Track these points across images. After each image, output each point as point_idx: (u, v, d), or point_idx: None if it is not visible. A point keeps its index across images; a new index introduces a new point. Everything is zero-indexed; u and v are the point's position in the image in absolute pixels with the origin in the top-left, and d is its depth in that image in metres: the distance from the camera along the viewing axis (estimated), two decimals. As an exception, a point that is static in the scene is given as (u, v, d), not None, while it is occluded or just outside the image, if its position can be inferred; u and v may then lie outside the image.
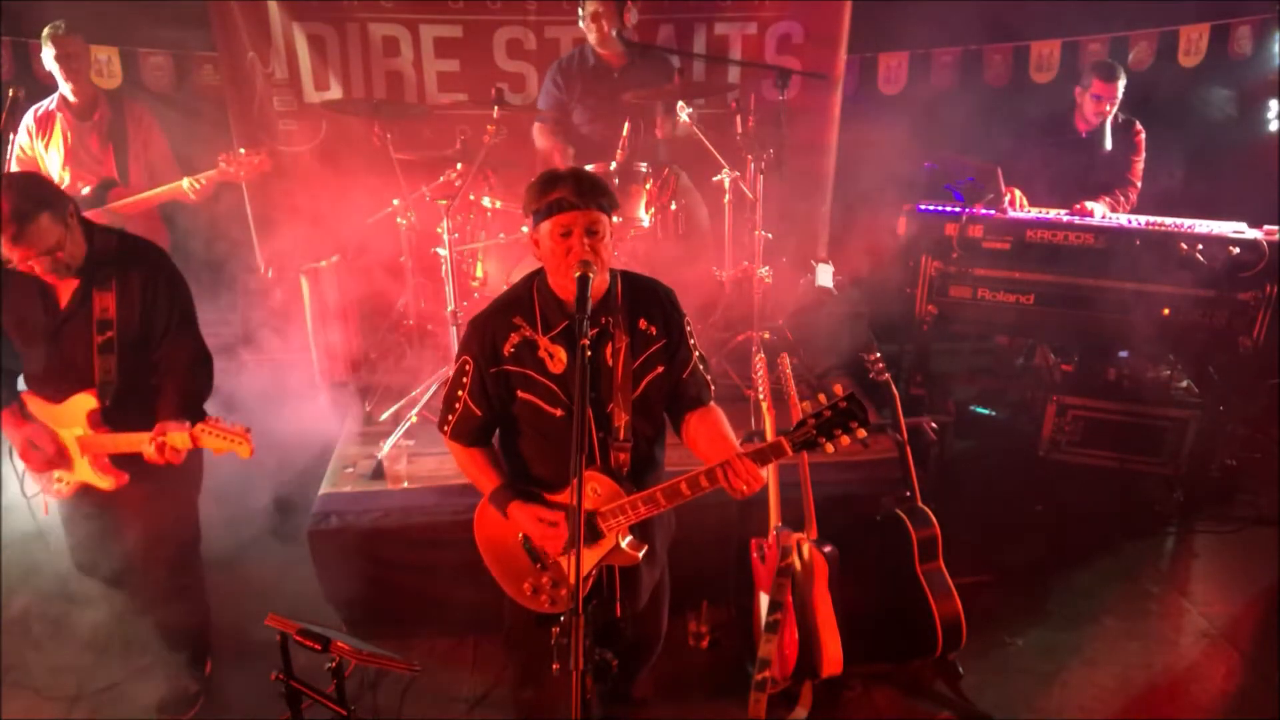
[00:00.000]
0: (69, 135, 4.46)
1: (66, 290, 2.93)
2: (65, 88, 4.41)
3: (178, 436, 2.85)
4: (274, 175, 5.37)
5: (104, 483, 3.02)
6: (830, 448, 2.34)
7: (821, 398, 2.36)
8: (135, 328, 2.96)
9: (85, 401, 2.95)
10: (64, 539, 3.33)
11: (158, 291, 2.98)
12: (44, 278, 2.86)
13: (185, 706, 3.42)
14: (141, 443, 2.87)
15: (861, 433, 2.32)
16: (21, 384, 3.14)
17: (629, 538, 2.58)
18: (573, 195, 2.40)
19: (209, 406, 3.05)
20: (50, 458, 3.01)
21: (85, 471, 3.03)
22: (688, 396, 2.68)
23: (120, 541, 3.17)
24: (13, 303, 2.95)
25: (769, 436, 2.45)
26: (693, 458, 2.64)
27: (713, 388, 2.74)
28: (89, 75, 4.55)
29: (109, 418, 2.97)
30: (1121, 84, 4.66)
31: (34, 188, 2.83)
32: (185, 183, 4.24)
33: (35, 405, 3.04)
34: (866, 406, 2.33)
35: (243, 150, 4.22)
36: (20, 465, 3.11)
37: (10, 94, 4.35)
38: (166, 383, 2.99)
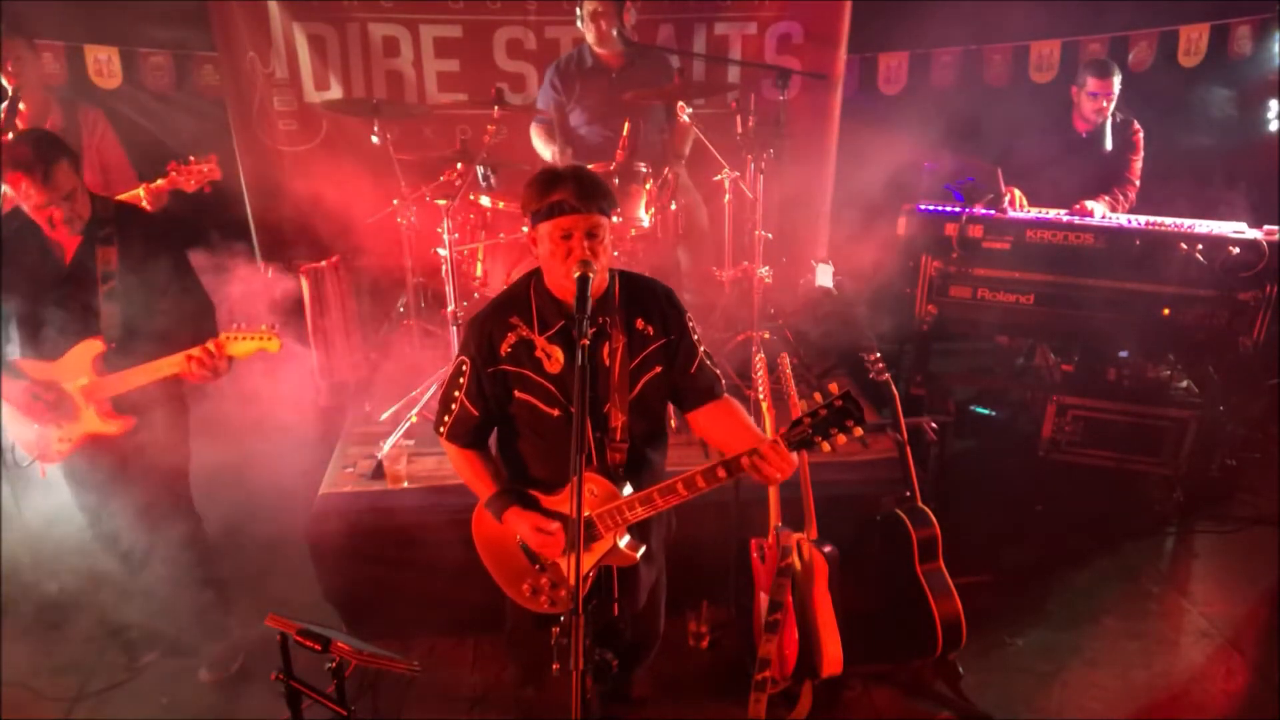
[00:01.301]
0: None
1: (70, 246, 3.12)
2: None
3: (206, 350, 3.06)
4: (273, 175, 5.41)
5: (111, 427, 3.15)
6: (826, 447, 2.32)
7: (817, 396, 2.35)
8: (138, 278, 3.13)
9: (92, 347, 3.10)
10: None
11: (159, 244, 3.19)
12: (55, 233, 3.05)
13: (229, 661, 3.55)
14: (158, 370, 3.05)
15: (858, 431, 2.30)
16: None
17: (626, 538, 2.58)
18: (574, 198, 2.39)
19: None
20: (52, 403, 3.12)
21: (91, 421, 3.14)
22: (701, 391, 2.67)
23: (123, 483, 3.28)
24: (18, 261, 3.10)
25: (769, 436, 2.45)
26: (693, 458, 2.64)
27: (724, 381, 2.73)
28: (38, 80, 4.39)
29: (113, 363, 3.11)
30: (1117, 81, 4.66)
31: (52, 137, 3.09)
32: (140, 190, 4.20)
33: (32, 368, 3.14)
34: (862, 405, 2.33)
35: (191, 159, 4.20)
36: (8, 439, 3.21)
37: (10, 93, 4.34)
38: (175, 327, 3.14)
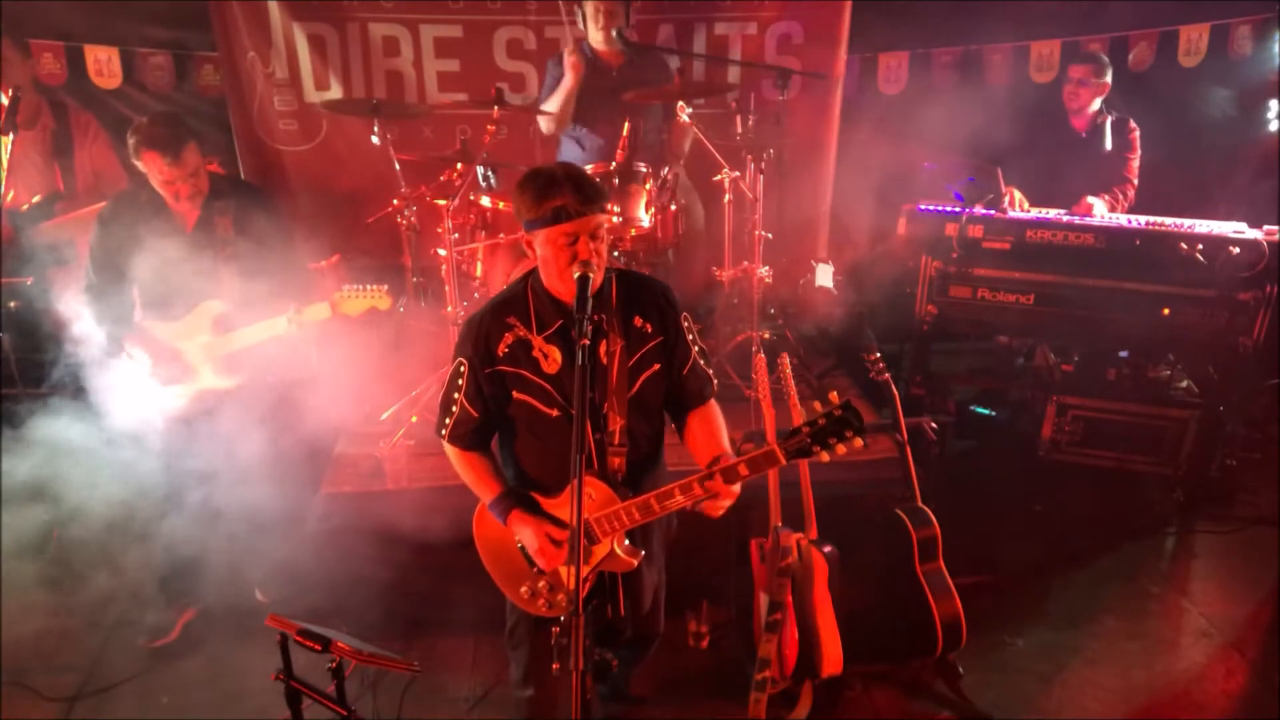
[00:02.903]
0: (11, 145, 4.30)
1: (191, 217, 3.45)
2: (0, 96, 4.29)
3: (315, 309, 3.40)
4: (273, 175, 5.41)
5: (227, 383, 3.47)
6: (825, 456, 2.32)
7: (817, 405, 2.34)
8: (252, 245, 3.44)
9: (212, 307, 3.44)
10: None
11: (266, 214, 3.55)
12: (179, 205, 3.39)
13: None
14: (275, 327, 3.39)
15: (858, 442, 2.30)
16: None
17: (625, 544, 2.58)
18: (576, 203, 2.36)
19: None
20: (173, 371, 3.44)
21: (208, 377, 3.48)
22: (690, 392, 2.67)
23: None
24: (145, 231, 3.36)
25: (769, 437, 2.45)
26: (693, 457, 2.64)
27: (715, 383, 2.73)
28: (29, 82, 4.42)
29: (230, 323, 3.43)
30: (1100, 70, 4.68)
31: (182, 119, 3.42)
32: None
33: (156, 329, 3.46)
34: (862, 405, 2.33)
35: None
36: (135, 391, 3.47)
37: (10, 93, 4.34)
38: (284, 288, 3.41)
